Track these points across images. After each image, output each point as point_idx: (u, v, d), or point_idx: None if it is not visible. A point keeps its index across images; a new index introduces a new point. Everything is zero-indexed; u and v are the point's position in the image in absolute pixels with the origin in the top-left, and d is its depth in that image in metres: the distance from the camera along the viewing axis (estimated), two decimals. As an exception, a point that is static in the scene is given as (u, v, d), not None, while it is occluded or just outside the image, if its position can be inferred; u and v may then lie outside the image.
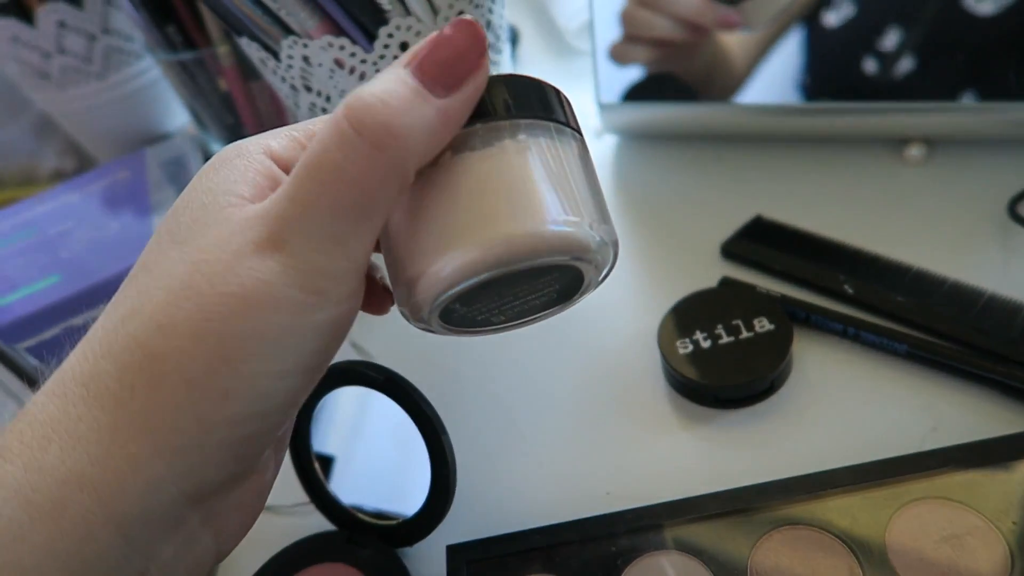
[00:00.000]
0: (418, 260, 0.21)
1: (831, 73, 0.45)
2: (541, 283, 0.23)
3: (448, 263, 0.21)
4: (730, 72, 0.47)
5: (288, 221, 0.20)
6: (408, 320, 0.23)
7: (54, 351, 0.43)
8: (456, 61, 0.21)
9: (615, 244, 0.23)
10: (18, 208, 0.53)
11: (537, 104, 0.22)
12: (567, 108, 0.24)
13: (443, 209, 0.21)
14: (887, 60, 0.43)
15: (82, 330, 0.44)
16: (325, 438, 0.36)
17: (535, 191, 0.21)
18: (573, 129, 0.24)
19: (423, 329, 0.24)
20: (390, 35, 0.37)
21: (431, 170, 0.21)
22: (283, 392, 0.20)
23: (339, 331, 0.21)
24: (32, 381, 0.39)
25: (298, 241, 0.19)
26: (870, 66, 0.44)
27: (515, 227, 0.21)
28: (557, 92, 0.24)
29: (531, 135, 0.22)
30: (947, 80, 0.43)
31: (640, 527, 0.32)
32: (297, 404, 0.22)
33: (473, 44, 0.21)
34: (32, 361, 0.41)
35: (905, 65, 0.43)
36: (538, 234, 0.21)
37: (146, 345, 0.19)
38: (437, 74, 0.20)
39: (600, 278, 0.24)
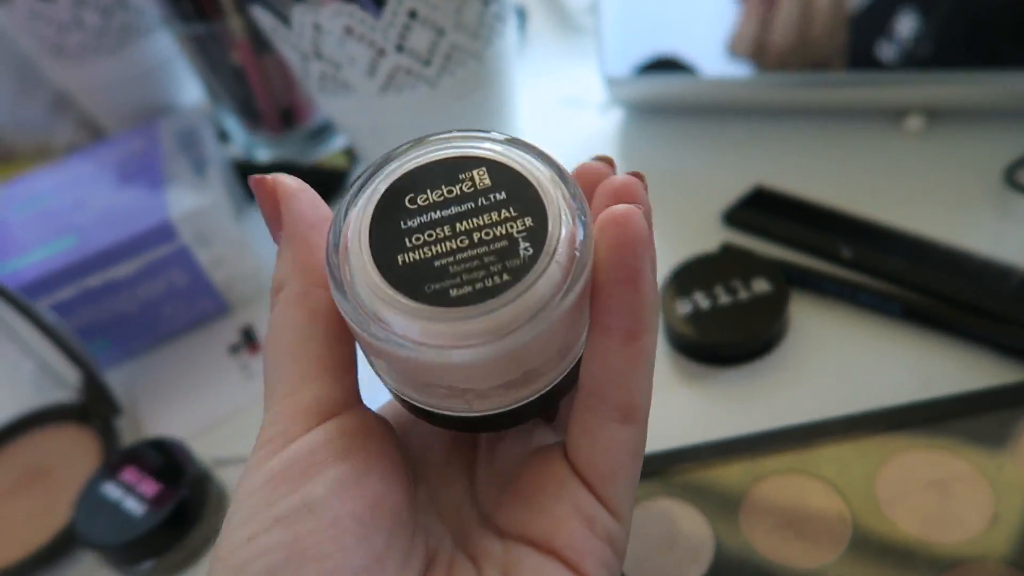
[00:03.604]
0: None
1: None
2: (494, 215, 0.20)
3: None
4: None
5: None
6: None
7: (70, 311, 0.44)
8: None
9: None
10: (33, 177, 0.54)
11: None
12: None
13: None
14: (900, 42, 0.44)
15: (97, 291, 0.45)
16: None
17: None
18: None
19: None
20: (399, 2, 0.38)
21: None
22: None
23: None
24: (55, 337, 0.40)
25: None
26: (883, 49, 0.45)
27: None
28: None
29: None
30: (948, 50, 0.44)
31: (638, 475, 0.33)
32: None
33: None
34: (53, 316, 0.42)
35: (913, 42, 0.44)
36: None
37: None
38: None
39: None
